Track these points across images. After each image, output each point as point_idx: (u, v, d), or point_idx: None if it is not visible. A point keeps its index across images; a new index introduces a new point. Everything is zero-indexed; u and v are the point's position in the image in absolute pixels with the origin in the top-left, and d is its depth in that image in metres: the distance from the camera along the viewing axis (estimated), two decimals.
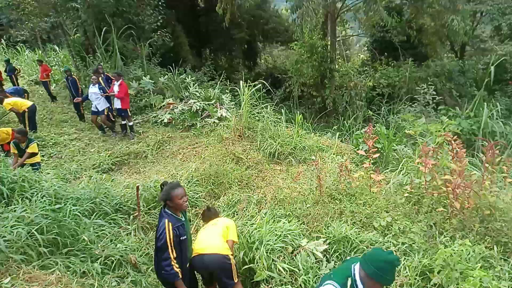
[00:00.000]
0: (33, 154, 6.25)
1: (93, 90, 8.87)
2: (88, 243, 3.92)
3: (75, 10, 12.79)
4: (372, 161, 5.47)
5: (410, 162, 6.07)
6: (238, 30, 17.77)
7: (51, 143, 8.61)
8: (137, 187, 4.79)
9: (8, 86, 14.64)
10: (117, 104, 8.80)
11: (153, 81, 11.40)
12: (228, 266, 3.37)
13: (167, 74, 12.19)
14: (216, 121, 9.63)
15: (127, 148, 7.77)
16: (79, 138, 9.08)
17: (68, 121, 10.61)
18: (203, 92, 11.70)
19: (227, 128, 9.09)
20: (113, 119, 9.65)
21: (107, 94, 8.72)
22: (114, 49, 11.46)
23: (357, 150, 7.10)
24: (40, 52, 20.88)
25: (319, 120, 14.64)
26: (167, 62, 14.82)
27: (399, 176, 5.58)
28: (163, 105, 10.84)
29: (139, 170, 7.26)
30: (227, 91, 11.17)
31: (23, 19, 30.29)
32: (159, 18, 13.14)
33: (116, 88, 8.73)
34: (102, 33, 11.67)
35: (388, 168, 6.54)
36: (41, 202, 4.08)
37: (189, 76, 12.61)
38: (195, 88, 11.81)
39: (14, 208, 3.97)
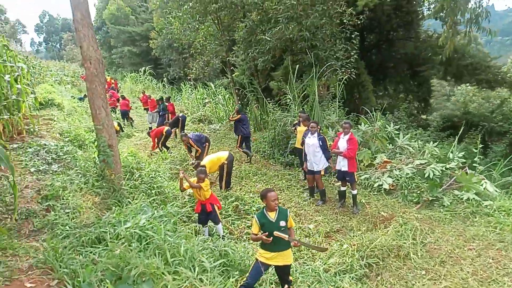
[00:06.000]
0: None
1: (311, 142, 6.79)
2: None
3: (259, 45, 11.65)
4: None
5: None
6: (426, 66, 14.62)
7: (254, 209, 6.76)
8: None
9: None
10: (342, 165, 6.50)
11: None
12: None
13: (367, 122, 9.72)
14: (475, 197, 6.51)
15: (382, 242, 5.16)
16: (281, 202, 7.06)
17: (257, 173, 8.90)
18: (417, 146, 8.84)
19: (499, 212, 5.92)
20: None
21: (340, 153, 6.45)
22: (311, 89, 9.57)
23: None
24: (200, 89, 21.26)
25: None
26: (347, 104, 12.57)
27: None
28: (376, 163, 8.29)
29: (411, 283, 4.56)
30: (475, 149, 7.92)
31: (180, 58, 32.89)
32: (352, 53, 10.95)
33: (343, 143, 6.48)
34: (295, 71, 10.00)
35: None
36: None
37: (391, 124, 9.91)
38: (406, 140, 9.01)
39: None
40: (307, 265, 4.86)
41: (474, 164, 7.54)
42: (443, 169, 7.33)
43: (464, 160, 7.85)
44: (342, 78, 10.92)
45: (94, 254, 3.11)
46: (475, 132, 12.20)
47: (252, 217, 6.62)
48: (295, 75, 10.10)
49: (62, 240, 3.36)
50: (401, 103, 13.55)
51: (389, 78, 16.38)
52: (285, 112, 10.10)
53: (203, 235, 5.63)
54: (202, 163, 7.29)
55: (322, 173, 6.93)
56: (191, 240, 3.80)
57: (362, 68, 13.31)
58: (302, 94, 10.20)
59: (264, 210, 3.91)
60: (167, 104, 14.94)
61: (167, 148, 10.87)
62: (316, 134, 6.76)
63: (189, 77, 25.36)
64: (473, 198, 6.44)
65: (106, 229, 3.46)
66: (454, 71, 14.73)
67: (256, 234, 3.90)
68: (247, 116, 10.40)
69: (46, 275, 2.68)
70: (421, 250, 5.15)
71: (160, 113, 14.43)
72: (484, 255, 4.95)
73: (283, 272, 4.02)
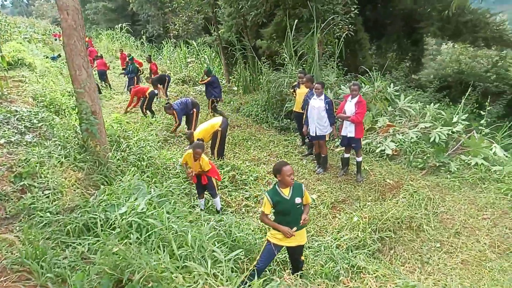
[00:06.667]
0: None
1: (317, 104, 6.23)
2: None
3: None
4: None
5: None
6: (425, 23, 13.94)
7: (251, 178, 6.31)
8: None
9: None
10: (349, 130, 6.03)
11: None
12: None
13: (367, 82, 9.19)
14: (483, 162, 6.25)
15: (394, 213, 4.84)
16: None
17: (251, 139, 8.40)
18: (418, 108, 8.45)
19: (509, 178, 5.71)
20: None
21: (346, 117, 5.95)
22: (311, 48, 8.84)
23: None
24: (184, 48, 19.96)
25: None
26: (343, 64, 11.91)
27: None
28: (378, 127, 7.89)
29: (426, 257, 4.31)
30: (482, 112, 7.54)
31: (160, 14, 30.76)
32: (353, 8, 10.13)
33: (350, 106, 5.96)
34: (293, 27, 9.16)
35: None
36: None
37: (391, 84, 9.40)
38: (407, 102, 8.59)
39: None
40: (316, 241, 4.52)
41: (480, 127, 7.22)
42: (449, 132, 7.00)
43: (468, 123, 7.54)
44: (341, 35, 10.17)
45: (83, 246, 2.61)
46: (473, 93, 11.88)
47: (250, 187, 6.22)
48: (292, 31, 9.28)
49: (42, 229, 2.82)
50: (395, 63, 12.98)
51: (386, 36, 15.64)
52: (279, 72, 9.39)
53: (200, 207, 5.21)
54: (194, 133, 6.68)
55: (327, 138, 6.47)
56: (196, 225, 3.32)
57: (360, 25, 12.51)
58: (300, 54, 9.45)
59: (277, 186, 3.45)
60: (137, 64, 13.53)
61: (152, 112, 10.10)
62: (323, 97, 6.20)
63: (170, 35, 23.66)
64: (482, 164, 6.19)
65: (96, 215, 2.93)
66: (453, 29, 14.10)
67: (268, 215, 3.46)
68: (217, 78, 10.33)
69: (24, 280, 2.16)
70: (434, 220, 4.89)
71: (129, 76, 13.12)
72: (500, 224, 4.74)
73: (295, 252, 3.66)
